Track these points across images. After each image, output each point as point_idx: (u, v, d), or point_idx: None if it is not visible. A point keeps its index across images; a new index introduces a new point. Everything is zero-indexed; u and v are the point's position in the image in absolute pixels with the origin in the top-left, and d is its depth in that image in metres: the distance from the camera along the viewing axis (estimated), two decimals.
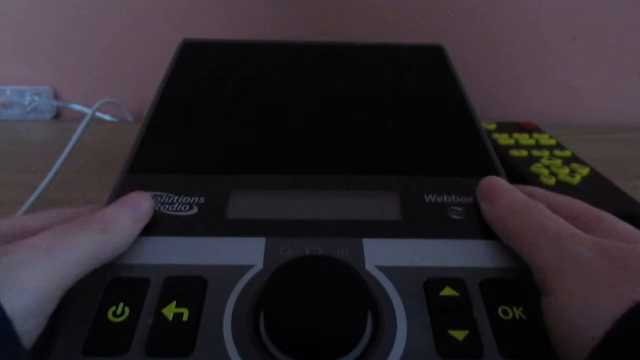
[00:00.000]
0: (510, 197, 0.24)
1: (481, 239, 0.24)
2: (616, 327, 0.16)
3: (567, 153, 0.44)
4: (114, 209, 0.22)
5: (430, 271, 0.22)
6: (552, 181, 0.39)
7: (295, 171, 0.28)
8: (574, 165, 0.41)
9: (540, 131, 0.49)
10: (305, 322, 0.18)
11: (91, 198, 0.41)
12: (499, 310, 0.20)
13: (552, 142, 0.47)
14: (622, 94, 0.62)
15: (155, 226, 0.24)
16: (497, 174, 0.28)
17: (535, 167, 0.41)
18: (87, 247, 0.19)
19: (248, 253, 0.22)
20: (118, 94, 0.59)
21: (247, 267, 0.22)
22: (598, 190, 0.39)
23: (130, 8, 0.57)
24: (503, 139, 0.47)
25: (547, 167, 0.41)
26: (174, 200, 0.25)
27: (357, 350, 0.19)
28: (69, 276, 0.19)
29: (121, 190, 0.26)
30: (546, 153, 0.44)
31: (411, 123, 0.33)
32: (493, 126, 0.50)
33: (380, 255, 0.22)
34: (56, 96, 0.61)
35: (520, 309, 0.20)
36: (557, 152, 0.44)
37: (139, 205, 0.23)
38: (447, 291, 0.21)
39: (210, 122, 0.32)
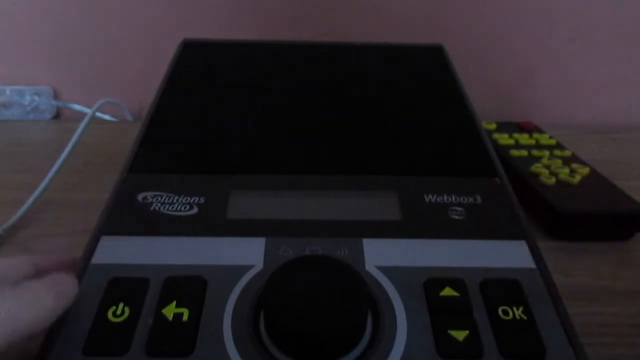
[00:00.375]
0: None
1: (481, 239, 0.24)
2: None
3: (567, 153, 0.44)
4: (34, 283, 0.20)
5: (430, 271, 0.22)
6: (552, 181, 0.39)
7: (295, 171, 0.28)
8: (574, 165, 0.41)
9: (540, 131, 0.49)
10: (305, 322, 0.18)
11: (91, 198, 0.41)
12: (499, 311, 0.20)
13: (552, 142, 0.47)
14: (622, 94, 0.62)
15: (155, 226, 0.24)
16: (497, 174, 0.28)
17: (535, 167, 0.41)
18: (5, 316, 0.17)
19: (248, 253, 0.22)
20: (118, 94, 0.59)
21: (247, 267, 0.22)
22: (598, 190, 0.39)
23: (131, 8, 0.57)
24: (503, 139, 0.47)
25: (547, 167, 0.41)
26: (174, 200, 0.25)
27: (357, 351, 0.19)
28: None
29: (121, 190, 0.26)
30: (546, 153, 0.44)
31: (411, 123, 0.33)
32: (493, 126, 0.50)
33: (380, 255, 0.22)
34: (56, 96, 0.61)
35: (521, 309, 0.20)
36: (557, 152, 0.44)
37: (61, 283, 0.20)
38: (447, 291, 0.21)
39: (210, 122, 0.32)
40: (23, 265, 0.22)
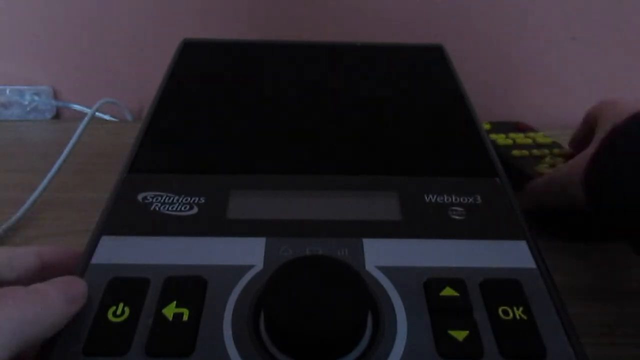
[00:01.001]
0: None
1: (481, 239, 0.24)
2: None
3: (567, 151, 0.44)
4: (47, 286, 0.19)
5: (431, 271, 0.22)
6: None
7: (295, 171, 0.28)
8: None
9: (534, 130, 0.49)
10: (305, 322, 0.18)
11: (91, 198, 0.42)
12: (499, 311, 0.20)
13: (549, 140, 0.47)
14: (622, 94, 0.62)
15: (155, 226, 0.24)
16: (497, 174, 0.28)
17: (541, 167, 0.41)
18: (16, 320, 0.17)
19: (248, 253, 0.22)
20: (118, 94, 0.59)
21: (247, 267, 0.22)
22: None
23: (131, 8, 0.57)
24: (501, 139, 0.47)
25: (552, 166, 0.41)
26: (174, 200, 0.25)
27: (357, 351, 0.19)
28: None
29: (121, 190, 0.26)
30: (546, 152, 0.44)
31: (411, 123, 0.33)
32: (487, 126, 0.50)
33: (380, 255, 0.22)
34: (56, 96, 0.61)
35: (521, 309, 0.20)
36: (557, 151, 0.44)
37: (73, 287, 0.20)
38: (447, 291, 0.21)
39: (210, 122, 0.32)
40: (28, 256, 0.22)
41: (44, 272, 0.22)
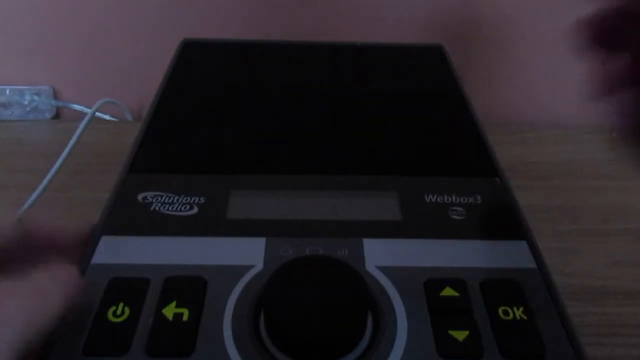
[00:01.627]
0: None
1: (481, 239, 0.24)
2: None
3: None
4: (46, 280, 0.19)
5: (431, 271, 0.22)
6: None
7: (295, 171, 0.28)
8: None
9: None
10: (305, 322, 0.18)
11: (91, 198, 0.41)
12: (500, 311, 0.20)
13: None
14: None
15: (155, 226, 0.24)
16: (497, 174, 0.28)
17: None
18: (20, 319, 0.17)
19: (248, 253, 0.22)
20: (118, 94, 0.59)
21: (247, 267, 0.22)
22: None
23: (131, 8, 0.57)
24: None
25: None
26: (174, 200, 0.25)
27: (357, 351, 0.19)
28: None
29: (121, 190, 0.26)
30: None
31: (411, 123, 0.33)
32: None
33: (380, 255, 0.22)
34: (56, 96, 0.61)
35: (521, 309, 0.20)
36: None
37: (69, 279, 0.20)
38: (448, 291, 0.21)
39: (210, 122, 0.32)
40: (9, 225, 0.22)
41: (26, 240, 0.22)
